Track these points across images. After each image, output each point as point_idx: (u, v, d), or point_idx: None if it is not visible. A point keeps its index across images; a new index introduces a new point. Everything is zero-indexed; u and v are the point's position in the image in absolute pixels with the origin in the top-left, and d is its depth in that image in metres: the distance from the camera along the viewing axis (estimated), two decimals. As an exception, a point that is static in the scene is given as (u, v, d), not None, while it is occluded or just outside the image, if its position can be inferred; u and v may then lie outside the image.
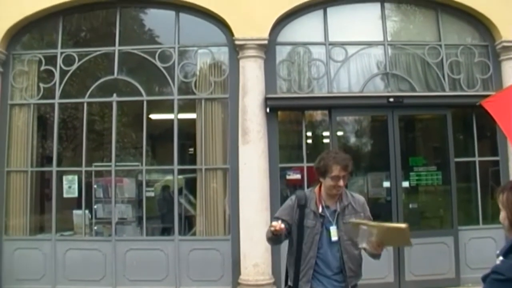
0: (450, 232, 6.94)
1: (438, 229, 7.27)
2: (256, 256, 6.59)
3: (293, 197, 3.20)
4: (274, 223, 2.94)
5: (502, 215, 1.99)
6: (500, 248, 1.99)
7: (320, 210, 3.09)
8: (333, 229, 3.06)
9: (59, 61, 7.29)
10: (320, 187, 3.16)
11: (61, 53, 7.33)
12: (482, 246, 6.76)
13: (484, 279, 1.92)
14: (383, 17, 7.43)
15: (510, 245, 1.91)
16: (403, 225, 2.66)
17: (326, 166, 3.03)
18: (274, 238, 3.00)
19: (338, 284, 3.04)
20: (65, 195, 7.25)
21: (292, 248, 3.15)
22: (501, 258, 1.91)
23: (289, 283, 3.18)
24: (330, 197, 3.12)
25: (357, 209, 3.11)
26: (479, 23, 7.44)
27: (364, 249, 2.88)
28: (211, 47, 7.28)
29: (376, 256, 2.94)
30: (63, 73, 7.28)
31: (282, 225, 2.93)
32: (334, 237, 3.05)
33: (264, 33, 6.94)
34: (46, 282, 6.87)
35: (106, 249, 6.93)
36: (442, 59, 7.33)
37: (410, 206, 7.14)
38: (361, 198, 3.25)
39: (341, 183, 3.02)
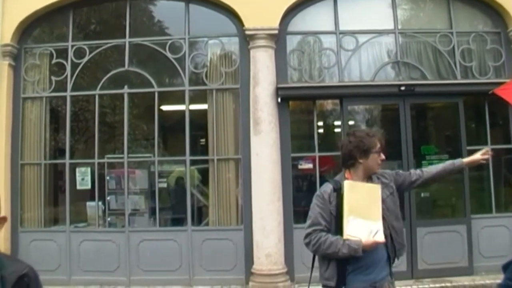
0: (462, 220, 6.91)
1: (451, 218, 7.25)
2: (269, 246, 6.61)
3: (323, 189, 2.96)
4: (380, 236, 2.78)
5: None
6: None
7: None
8: None
9: (70, 54, 7.33)
10: (348, 173, 3.00)
11: (72, 46, 7.36)
12: (495, 234, 6.79)
13: (506, 267, 1.87)
14: (394, 5, 7.36)
15: None
16: (348, 182, 2.87)
17: (370, 142, 2.96)
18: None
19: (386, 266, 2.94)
20: (78, 187, 7.31)
21: None
22: None
23: (326, 278, 2.90)
24: (362, 180, 2.98)
25: (386, 182, 3.02)
26: (491, 10, 7.37)
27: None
28: (221, 37, 7.27)
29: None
30: (74, 66, 7.31)
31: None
32: None
33: (274, 22, 6.91)
34: (61, 273, 6.95)
35: (119, 240, 6.99)
36: (453, 47, 7.26)
37: (422, 195, 7.09)
38: (386, 170, 3.16)
39: (383, 156, 3.02)
